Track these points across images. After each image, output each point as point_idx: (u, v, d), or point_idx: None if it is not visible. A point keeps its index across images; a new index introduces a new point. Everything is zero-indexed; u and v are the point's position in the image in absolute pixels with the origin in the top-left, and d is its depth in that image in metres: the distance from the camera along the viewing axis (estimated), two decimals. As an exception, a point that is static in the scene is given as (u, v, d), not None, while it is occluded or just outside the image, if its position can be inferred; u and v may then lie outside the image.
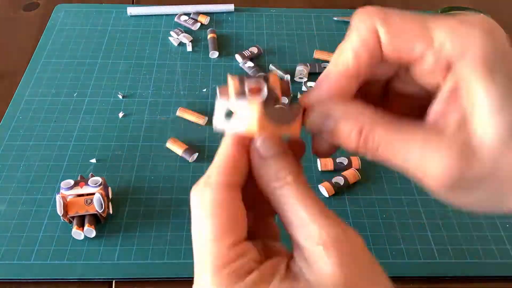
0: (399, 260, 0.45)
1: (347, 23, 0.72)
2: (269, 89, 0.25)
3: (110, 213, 0.47)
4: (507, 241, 0.46)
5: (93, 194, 0.45)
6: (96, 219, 0.46)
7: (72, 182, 0.46)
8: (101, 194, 0.45)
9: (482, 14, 0.26)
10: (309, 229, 0.22)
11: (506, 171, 0.22)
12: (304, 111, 0.25)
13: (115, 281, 0.43)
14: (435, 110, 0.23)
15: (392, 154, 0.23)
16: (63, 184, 0.46)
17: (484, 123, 0.21)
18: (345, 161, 0.52)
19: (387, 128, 0.23)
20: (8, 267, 0.43)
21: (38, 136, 0.54)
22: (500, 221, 0.48)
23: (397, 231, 0.47)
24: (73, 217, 0.45)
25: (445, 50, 0.22)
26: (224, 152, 0.25)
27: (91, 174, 0.48)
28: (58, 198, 0.44)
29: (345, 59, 0.24)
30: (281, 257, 0.24)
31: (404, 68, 0.25)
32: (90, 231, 0.45)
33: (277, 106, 0.25)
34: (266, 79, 0.25)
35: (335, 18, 0.73)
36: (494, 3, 0.79)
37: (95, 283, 0.43)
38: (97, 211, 0.44)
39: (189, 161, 0.52)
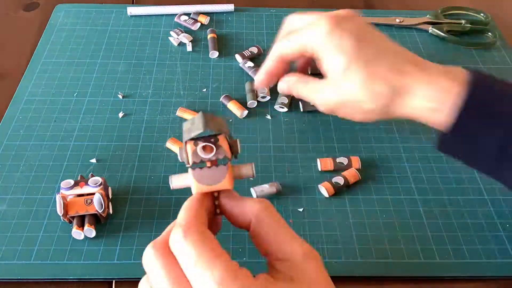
0: (399, 260, 0.44)
1: (347, 23, 0.72)
2: (217, 148, 0.33)
3: (110, 213, 0.47)
4: (507, 241, 0.46)
5: (93, 194, 0.45)
6: (96, 219, 0.46)
7: (72, 182, 0.46)
8: (101, 194, 0.45)
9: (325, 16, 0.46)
10: (292, 247, 0.31)
11: (350, 92, 0.44)
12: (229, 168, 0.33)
13: (115, 281, 0.43)
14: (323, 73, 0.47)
15: (303, 94, 0.50)
16: (63, 184, 0.46)
17: (333, 66, 0.45)
18: (345, 161, 0.52)
19: (301, 82, 0.50)
20: (8, 267, 0.43)
21: (38, 136, 0.54)
22: (500, 221, 0.48)
23: (397, 231, 0.47)
24: (73, 217, 0.45)
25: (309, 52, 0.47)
26: (188, 205, 0.33)
27: (91, 174, 0.48)
28: (58, 198, 0.44)
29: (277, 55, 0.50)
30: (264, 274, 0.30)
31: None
32: (90, 231, 0.44)
33: (209, 167, 0.33)
34: (216, 141, 0.34)
35: (335, 18, 0.73)
36: (494, 3, 0.79)
37: (95, 283, 0.43)
38: (97, 211, 0.44)
39: (189, 161, 0.52)
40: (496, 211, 0.49)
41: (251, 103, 0.58)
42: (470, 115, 0.40)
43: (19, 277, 0.42)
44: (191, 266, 0.27)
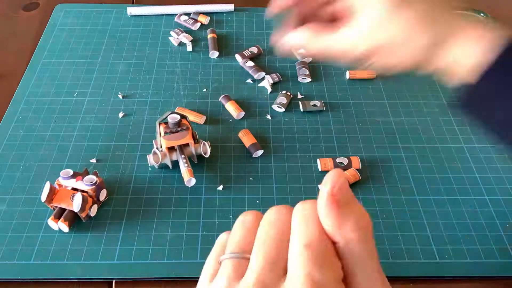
0: (399, 260, 0.44)
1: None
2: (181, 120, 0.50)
3: (90, 215, 0.46)
4: (507, 241, 0.46)
5: (84, 191, 0.46)
6: (77, 217, 0.46)
7: (71, 172, 0.47)
8: (85, 195, 0.45)
9: None
10: None
11: (391, 34, 0.40)
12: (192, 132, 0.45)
13: (115, 281, 0.43)
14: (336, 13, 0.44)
15: (328, 44, 0.42)
16: (63, 173, 0.47)
17: (371, 10, 0.40)
18: (345, 161, 0.52)
19: (320, 29, 0.42)
20: (8, 267, 0.43)
21: (38, 136, 0.54)
22: (500, 221, 0.48)
23: (397, 231, 0.47)
24: (57, 207, 0.46)
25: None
26: None
27: (95, 172, 0.48)
28: (47, 185, 0.45)
29: None
30: None
31: None
32: (62, 226, 0.45)
33: (174, 133, 0.50)
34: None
35: (335, 18, 0.73)
36: (494, 3, 0.79)
37: (95, 283, 0.43)
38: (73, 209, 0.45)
39: (189, 161, 0.52)
40: (496, 211, 0.49)
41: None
42: (502, 71, 0.38)
43: (19, 277, 0.42)
44: None
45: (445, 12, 0.41)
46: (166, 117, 0.50)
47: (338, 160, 0.52)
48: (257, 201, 0.49)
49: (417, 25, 0.40)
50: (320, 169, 0.52)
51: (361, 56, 0.43)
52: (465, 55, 0.39)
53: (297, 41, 0.44)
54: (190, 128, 0.50)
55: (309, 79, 0.62)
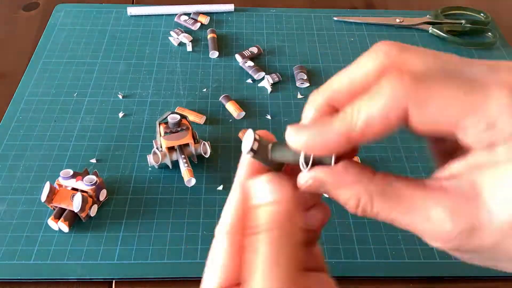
0: (399, 260, 0.45)
1: (347, 23, 0.72)
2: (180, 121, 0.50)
3: (90, 215, 0.46)
4: (507, 241, 0.46)
5: (84, 191, 0.46)
6: (77, 217, 0.46)
7: (71, 172, 0.47)
8: (85, 195, 0.45)
9: None
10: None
11: (505, 250, 0.21)
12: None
13: (115, 281, 0.43)
14: (453, 167, 0.22)
15: (391, 219, 0.23)
16: (63, 173, 0.47)
17: (499, 199, 0.20)
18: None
19: (384, 198, 0.23)
20: (8, 267, 0.43)
21: (38, 136, 0.54)
22: (500, 221, 0.48)
23: (397, 231, 0.47)
24: (56, 207, 0.46)
25: (496, 131, 0.20)
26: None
27: (95, 172, 0.48)
28: (47, 185, 0.45)
29: (352, 124, 0.21)
30: None
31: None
32: (62, 226, 0.45)
33: (174, 133, 0.50)
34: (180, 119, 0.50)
35: (335, 18, 0.73)
36: (494, 3, 0.79)
37: (95, 283, 0.43)
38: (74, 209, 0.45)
39: (189, 161, 0.52)
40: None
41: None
42: None
43: (19, 277, 0.42)
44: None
45: None
46: (166, 117, 0.50)
47: None
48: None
49: None
50: None
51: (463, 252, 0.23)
52: None
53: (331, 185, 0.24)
54: (190, 128, 0.50)
55: (307, 84, 0.62)
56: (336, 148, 0.22)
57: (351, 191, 0.23)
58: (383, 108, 0.21)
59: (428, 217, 0.22)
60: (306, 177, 0.24)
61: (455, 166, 0.22)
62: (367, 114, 0.21)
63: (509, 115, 0.20)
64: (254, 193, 0.24)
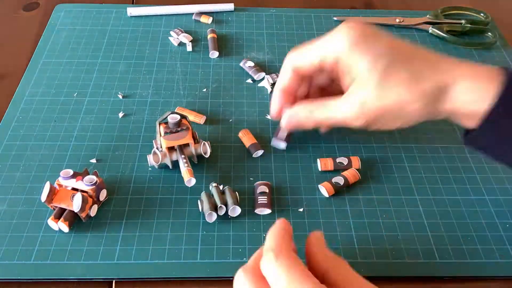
0: (399, 260, 0.45)
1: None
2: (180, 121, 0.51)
3: (90, 215, 0.46)
4: (507, 241, 0.46)
5: (84, 191, 0.46)
6: (77, 217, 0.46)
7: (71, 172, 0.47)
8: (85, 195, 0.45)
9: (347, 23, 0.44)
10: None
11: (390, 103, 0.42)
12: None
13: (115, 281, 0.43)
14: (344, 86, 0.45)
15: (323, 117, 0.46)
16: (63, 173, 0.47)
17: (365, 83, 0.42)
18: (345, 161, 0.52)
19: (316, 106, 0.46)
20: (8, 267, 0.43)
21: (38, 136, 0.54)
22: (500, 221, 0.48)
23: (397, 231, 0.47)
24: (56, 207, 0.46)
25: (342, 62, 0.44)
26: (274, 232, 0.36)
27: (95, 172, 0.48)
28: (47, 185, 0.45)
29: (280, 84, 0.49)
30: None
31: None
32: (63, 226, 0.45)
33: (174, 133, 0.50)
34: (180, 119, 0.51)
35: (335, 18, 0.73)
36: (494, 3, 0.79)
37: (95, 283, 0.43)
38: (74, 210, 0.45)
39: (189, 161, 0.52)
40: (496, 211, 0.49)
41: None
42: (506, 109, 0.39)
43: (19, 277, 0.42)
44: (283, 287, 0.30)
45: (440, 61, 0.42)
46: (166, 117, 0.50)
47: (338, 160, 0.52)
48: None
49: (412, 84, 0.41)
50: (320, 169, 0.52)
51: (364, 125, 0.44)
52: (468, 96, 0.40)
53: (296, 119, 0.47)
54: (190, 128, 0.50)
55: None
56: (292, 78, 0.48)
57: (304, 112, 0.47)
58: (286, 73, 0.48)
59: (338, 110, 0.44)
60: (284, 117, 0.49)
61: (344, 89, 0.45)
62: (283, 78, 0.49)
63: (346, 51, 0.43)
64: None
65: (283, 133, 0.54)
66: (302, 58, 0.46)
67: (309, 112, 0.46)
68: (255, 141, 0.54)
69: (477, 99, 0.40)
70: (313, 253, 0.35)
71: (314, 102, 0.46)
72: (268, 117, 0.58)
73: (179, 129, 0.50)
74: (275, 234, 0.34)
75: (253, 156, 0.53)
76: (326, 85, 0.51)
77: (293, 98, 0.49)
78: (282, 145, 0.53)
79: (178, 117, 0.50)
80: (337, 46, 0.43)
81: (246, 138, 0.54)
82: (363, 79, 0.42)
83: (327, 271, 0.34)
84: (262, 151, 0.53)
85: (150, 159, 0.50)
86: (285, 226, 0.35)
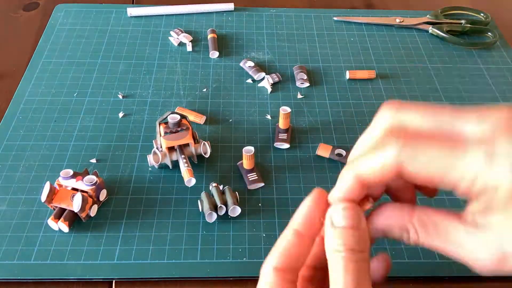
0: (399, 260, 0.44)
1: (347, 23, 0.72)
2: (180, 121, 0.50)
3: (90, 215, 0.46)
4: (507, 241, 0.46)
5: (84, 191, 0.46)
6: (77, 217, 0.46)
7: (71, 172, 0.47)
8: (85, 195, 0.45)
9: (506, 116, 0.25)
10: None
11: None
12: None
13: (115, 281, 0.43)
14: (474, 208, 0.26)
15: (435, 248, 0.28)
16: (63, 173, 0.47)
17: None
18: (343, 153, 0.52)
19: (424, 228, 0.28)
20: (8, 267, 0.43)
21: (38, 136, 0.54)
22: (500, 221, 0.48)
23: (397, 231, 0.47)
24: (56, 207, 0.46)
25: (477, 185, 0.25)
26: (286, 240, 0.29)
27: (95, 172, 0.48)
28: (47, 185, 0.45)
29: (361, 172, 0.28)
30: None
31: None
32: (63, 226, 0.45)
33: (174, 133, 0.49)
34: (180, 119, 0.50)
35: (335, 18, 0.73)
36: (494, 3, 0.79)
37: (95, 283, 0.43)
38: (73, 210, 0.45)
39: (189, 161, 0.52)
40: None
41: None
42: None
43: (19, 277, 0.42)
44: None
45: None
46: (166, 117, 0.50)
47: (337, 151, 0.52)
48: (258, 203, 0.49)
49: None
50: (316, 153, 0.52)
51: (492, 273, 0.29)
52: None
53: (391, 228, 0.30)
54: (190, 128, 0.50)
55: (307, 84, 0.62)
56: (354, 191, 0.29)
57: (399, 226, 0.29)
58: (380, 162, 0.27)
59: (461, 245, 0.27)
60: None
61: (475, 207, 0.26)
62: (369, 165, 0.27)
63: (485, 168, 0.24)
64: (339, 216, 0.29)
65: (283, 136, 0.54)
66: (425, 162, 0.26)
67: (411, 230, 0.29)
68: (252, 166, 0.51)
69: None
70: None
71: (417, 212, 0.29)
72: (268, 117, 0.58)
73: (179, 129, 0.50)
74: (285, 246, 0.29)
75: (248, 188, 0.50)
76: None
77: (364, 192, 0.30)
78: (285, 145, 0.54)
79: (178, 117, 0.50)
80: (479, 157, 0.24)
81: (247, 163, 0.51)
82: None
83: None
84: (262, 184, 0.50)
85: (150, 159, 0.50)
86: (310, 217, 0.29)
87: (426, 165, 0.25)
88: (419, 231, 0.28)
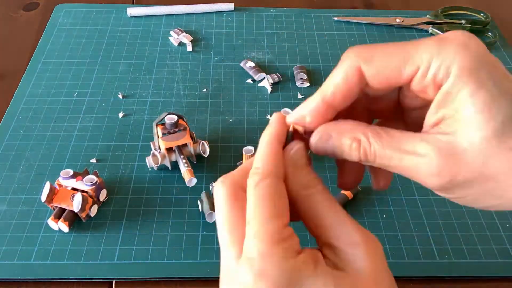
0: (399, 260, 0.45)
1: (347, 23, 0.72)
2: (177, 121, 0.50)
3: (90, 215, 0.46)
4: (507, 241, 0.46)
5: (85, 191, 0.46)
6: (77, 217, 0.46)
7: (71, 172, 0.47)
8: (85, 195, 0.45)
9: (459, 31, 0.27)
10: (342, 231, 0.26)
11: (496, 172, 0.25)
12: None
13: (115, 281, 0.43)
14: (428, 120, 0.27)
15: (388, 163, 0.27)
16: (63, 173, 0.47)
17: (470, 126, 0.24)
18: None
19: (379, 138, 0.26)
20: (8, 267, 0.43)
21: (38, 136, 0.54)
22: (500, 221, 0.48)
23: (397, 231, 0.47)
24: (57, 207, 0.46)
25: (430, 71, 0.25)
26: (268, 149, 0.28)
27: (95, 172, 0.48)
28: (47, 185, 0.45)
29: (325, 90, 0.28)
30: (315, 249, 0.27)
31: (404, 89, 0.28)
32: (63, 226, 0.45)
33: (172, 133, 0.50)
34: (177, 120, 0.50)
35: (335, 18, 0.73)
36: (494, 3, 0.79)
37: (95, 283, 0.43)
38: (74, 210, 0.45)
39: (189, 161, 0.52)
40: (496, 211, 0.49)
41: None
42: None
43: (19, 277, 0.42)
44: (249, 219, 0.26)
45: None
46: (163, 118, 0.50)
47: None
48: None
49: None
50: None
51: (440, 186, 0.26)
52: None
53: (338, 141, 0.28)
54: (188, 128, 0.50)
55: (307, 84, 0.62)
56: (320, 110, 0.28)
57: (351, 134, 0.27)
58: (342, 72, 0.27)
59: (415, 152, 0.25)
60: (316, 132, 0.29)
61: (428, 118, 0.27)
62: (333, 80, 0.28)
63: (436, 51, 0.25)
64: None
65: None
66: (382, 61, 0.27)
67: (362, 138, 0.27)
68: None
69: None
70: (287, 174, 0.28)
71: (373, 126, 0.28)
72: (268, 117, 0.58)
73: (176, 129, 0.50)
74: (267, 151, 0.28)
75: None
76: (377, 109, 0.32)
77: (332, 115, 0.29)
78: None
79: (175, 117, 0.50)
80: (446, 60, 0.25)
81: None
82: (470, 121, 0.25)
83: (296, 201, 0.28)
84: None
85: (150, 161, 0.50)
86: (279, 137, 0.28)
87: (382, 64, 0.26)
88: (372, 139, 0.26)
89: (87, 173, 0.48)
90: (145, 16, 0.72)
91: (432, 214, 0.48)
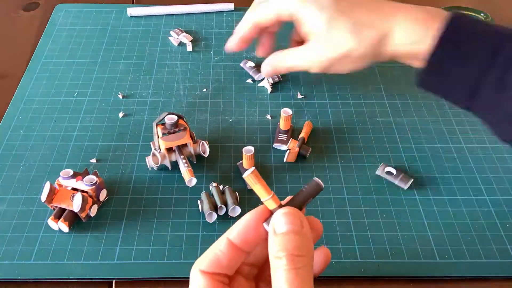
0: (399, 260, 0.44)
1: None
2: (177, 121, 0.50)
3: (90, 215, 0.46)
4: (507, 241, 0.46)
5: (84, 191, 0.46)
6: (77, 217, 0.46)
7: (71, 172, 0.47)
8: (85, 195, 0.45)
9: None
10: None
11: (334, 43, 0.46)
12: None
13: (115, 281, 0.43)
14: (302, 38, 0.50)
15: (292, 64, 0.50)
16: (63, 173, 0.47)
17: (313, 30, 0.46)
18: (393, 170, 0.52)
19: (286, 54, 0.50)
20: (8, 267, 0.43)
21: (38, 136, 0.54)
22: (500, 221, 0.48)
23: (397, 231, 0.47)
24: (57, 207, 0.46)
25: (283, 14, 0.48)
26: (218, 247, 0.31)
27: (95, 172, 0.48)
28: (47, 185, 0.45)
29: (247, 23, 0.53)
30: None
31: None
32: (63, 226, 0.45)
33: (172, 133, 0.50)
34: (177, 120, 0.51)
35: (335, 18, 0.73)
36: (494, 3, 0.79)
37: (95, 283, 0.43)
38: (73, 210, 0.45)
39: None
40: (496, 211, 0.49)
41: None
42: (446, 50, 0.41)
43: (19, 277, 0.42)
44: None
45: (383, 7, 0.45)
46: (163, 118, 0.50)
47: (387, 169, 0.52)
48: (258, 203, 0.49)
49: (354, 33, 0.45)
50: (285, 161, 0.52)
51: (320, 71, 0.48)
52: (407, 38, 0.43)
53: (271, 65, 0.52)
54: (188, 128, 0.50)
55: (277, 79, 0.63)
56: (250, 29, 0.53)
57: (271, 59, 0.53)
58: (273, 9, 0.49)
59: (312, 55, 0.48)
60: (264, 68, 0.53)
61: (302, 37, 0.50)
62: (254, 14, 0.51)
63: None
64: (280, 222, 0.29)
65: (282, 136, 0.54)
66: (261, 15, 0.50)
67: (281, 59, 0.51)
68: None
69: (416, 40, 0.42)
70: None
71: (285, 50, 0.50)
72: (268, 117, 0.58)
73: (176, 129, 0.50)
74: (215, 252, 0.31)
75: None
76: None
77: (246, 45, 0.54)
78: (284, 147, 0.53)
79: (175, 117, 0.50)
80: (289, 2, 0.47)
81: (247, 163, 0.51)
82: (312, 32, 0.46)
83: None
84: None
85: (150, 161, 0.50)
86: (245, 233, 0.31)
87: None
88: (284, 56, 0.51)
89: (87, 173, 0.48)
90: (145, 16, 0.72)
91: (432, 214, 0.48)
